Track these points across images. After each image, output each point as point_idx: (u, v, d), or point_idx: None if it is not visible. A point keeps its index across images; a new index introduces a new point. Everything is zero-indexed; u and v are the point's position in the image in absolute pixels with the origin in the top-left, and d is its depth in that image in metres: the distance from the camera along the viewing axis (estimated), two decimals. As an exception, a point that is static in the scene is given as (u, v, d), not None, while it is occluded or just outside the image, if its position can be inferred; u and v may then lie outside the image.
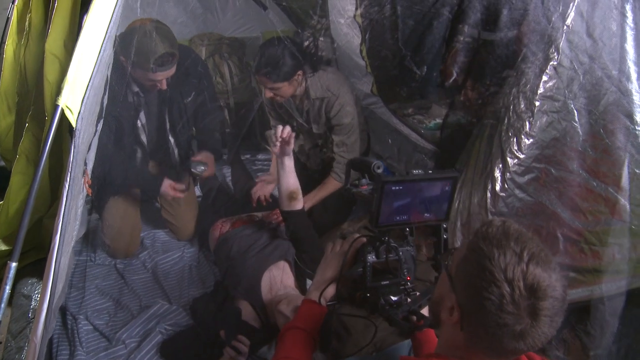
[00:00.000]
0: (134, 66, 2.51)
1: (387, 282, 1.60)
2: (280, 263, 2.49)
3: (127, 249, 2.95)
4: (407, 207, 1.51)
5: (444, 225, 1.63)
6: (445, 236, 1.64)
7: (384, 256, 1.59)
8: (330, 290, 1.64)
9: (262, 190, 3.08)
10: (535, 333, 1.08)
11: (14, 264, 1.45)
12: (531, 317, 1.07)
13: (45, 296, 1.43)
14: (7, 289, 1.43)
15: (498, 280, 1.08)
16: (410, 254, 1.64)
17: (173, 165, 3.02)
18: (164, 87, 2.66)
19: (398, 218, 1.52)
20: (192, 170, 2.97)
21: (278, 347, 1.57)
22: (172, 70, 2.63)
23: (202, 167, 2.98)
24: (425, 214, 1.54)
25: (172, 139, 2.94)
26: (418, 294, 1.61)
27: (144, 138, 2.86)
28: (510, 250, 1.10)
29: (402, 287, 1.60)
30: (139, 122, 2.80)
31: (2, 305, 1.43)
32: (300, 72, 2.76)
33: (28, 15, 2.33)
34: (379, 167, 1.59)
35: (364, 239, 1.64)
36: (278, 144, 2.34)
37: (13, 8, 2.66)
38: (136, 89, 2.70)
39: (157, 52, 2.47)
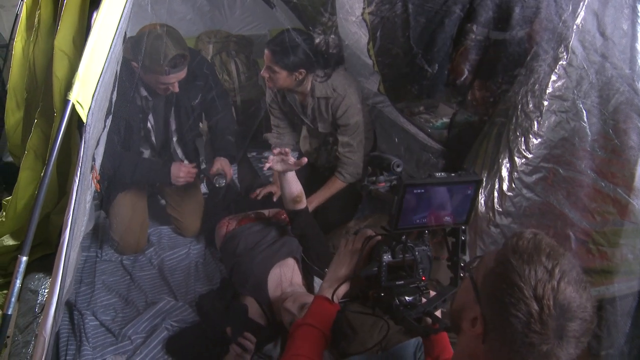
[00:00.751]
0: (145, 70, 2.53)
1: (402, 281, 1.57)
2: (288, 260, 2.49)
3: (136, 245, 2.96)
4: (427, 209, 1.48)
5: (463, 227, 1.57)
6: (463, 237, 1.58)
7: (400, 256, 1.55)
8: (343, 288, 1.61)
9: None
10: (560, 353, 1.05)
11: (24, 258, 1.46)
12: (558, 337, 1.04)
13: (54, 290, 1.43)
14: (18, 282, 1.44)
15: (527, 297, 1.04)
16: (427, 253, 1.60)
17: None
18: (176, 89, 2.68)
19: (418, 221, 1.49)
20: (215, 184, 2.95)
21: (289, 343, 1.55)
22: (183, 72, 2.65)
23: (223, 180, 2.96)
24: (446, 217, 1.51)
25: (174, 139, 2.95)
26: (433, 294, 1.59)
27: (153, 139, 2.88)
28: (541, 267, 1.06)
29: (416, 287, 1.58)
30: (149, 124, 2.82)
31: (13, 299, 1.44)
32: (302, 71, 2.76)
33: (37, 12, 2.34)
34: (398, 166, 1.55)
35: (379, 237, 1.61)
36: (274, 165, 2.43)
37: (22, 5, 2.67)
38: (144, 93, 2.72)
39: (170, 54, 2.49)
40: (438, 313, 1.57)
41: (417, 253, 1.57)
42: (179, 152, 2.99)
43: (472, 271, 1.23)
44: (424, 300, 1.57)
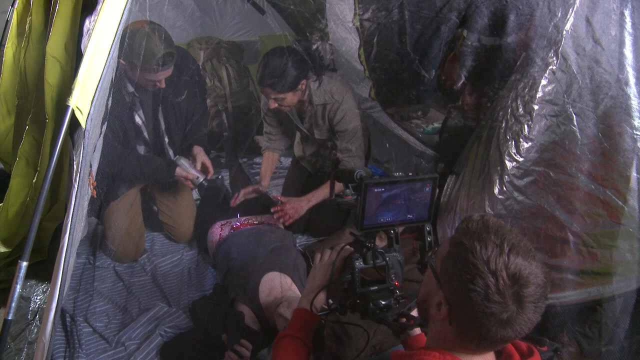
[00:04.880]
0: (133, 67, 2.52)
1: (376, 287, 1.64)
2: (280, 267, 2.49)
3: (134, 252, 2.94)
4: (390, 208, 1.56)
5: (428, 228, 1.65)
6: (429, 239, 1.65)
7: (371, 262, 1.63)
8: (321, 298, 1.68)
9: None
10: (521, 319, 1.14)
11: (24, 263, 1.46)
12: (516, 304, 1.12)
13: (53, 296, 1.43)
14: (18, 287, 1.44)
15: (482, 272, 1.13)
16: (397, 259, 1.67)
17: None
18: (163, 85, 2.68)
19: (382, 220, 1.56)
20: (198, 182, 2.93)
21: (273, 354, 1.61)
22: (171, 70, 2.65)
23: (201, 177, 2.93)
24: (409, 215, 1.59)
25: (166, 139, 2.94)
26: (405, 299, 1.66)
27: (146, 135, 2.86)
28: (491, 243, 1.15)
29: (390, 292, 1.65)
30: (138, 119, 2.79)
31: (14, 304, 1.44)
32: (304, 81, 2.77)
33: (28, 19, 2.34)
34: (361, 175, 1.61)
35: (352, 248, 1.68)
36: None
37: (13, 11, 2.66)
38: (131, 89, 2.69)
39: (159, 52, 2.49)
40: (414, 313, 1.61)
41: (387, 259, 1.64)
42: (171, 153, 2.98)
43: (431, 260, 1.32)
44: (398, 305, 1.63)
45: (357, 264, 1.62)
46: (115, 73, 1.84)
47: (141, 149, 2.89)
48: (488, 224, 1.20)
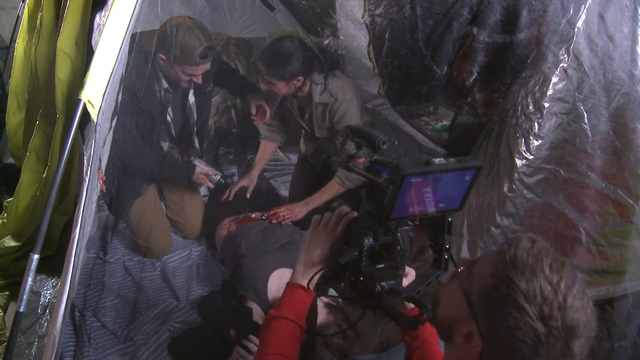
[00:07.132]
0: (175, 62, 2.52)
1: (382, 265, 1.44)
2: (290, 263, 2.49)
3: (163, 246, 2.97)
4: (423, 198, 1.33)
5: (449, 219, 1.42)
6: (450, 218, 1.42)
7: (383, 238, 1.41)
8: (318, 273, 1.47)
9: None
10: None
11: (36, 256, 1.47)
12: (561, 355, 0.99)
13: (64, 289, 1.44)
14: (29, 280, 1.45)
15: (533, 319, 0.98)
16: (409, 234, 1.46)
17: (198, 156, 3.06)
18: (200, 81, 2.67)
19: (412, 210, 1.34)
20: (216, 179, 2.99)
21: (262, 338, 1.42)
22: (209, 64, 2.64)
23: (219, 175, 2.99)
24: (440, 204, 1.37)
25: (195, 130, 2.95)
26: (408, 270, 1.50)
27: (173, 132, 2.88)
28: (546, 282, 1.00)
29: (396, 270, 1.45)
30: (168, 117, 2.80)
31: (25, 296, 1.44)
32: (300, 78, 2.75)
33: (39, 14, 2.34)
34: (384, 143, 1.40)
35: (355, 213, 1.47)
36: None
37: (24, 6, 2.67)
38: (166, 85, 2.68)
39: (200, 46, 2.49)
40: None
41: (399, 234, 1.43)
42: (196, 143, 2.99)
43: (464, 283, 1.14)
44: (404, 285, 1.47)
45: (366, 241, 1.40)
46: (126, 67, 1.84)
47: (165, 145, 2.91)
48: (540, 255, 1.03)
